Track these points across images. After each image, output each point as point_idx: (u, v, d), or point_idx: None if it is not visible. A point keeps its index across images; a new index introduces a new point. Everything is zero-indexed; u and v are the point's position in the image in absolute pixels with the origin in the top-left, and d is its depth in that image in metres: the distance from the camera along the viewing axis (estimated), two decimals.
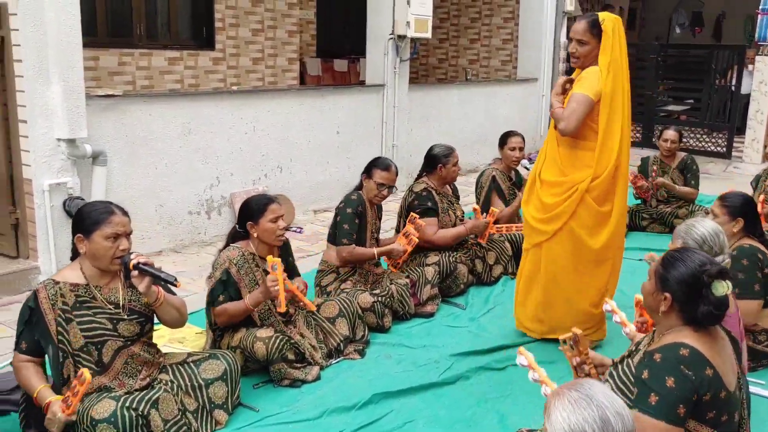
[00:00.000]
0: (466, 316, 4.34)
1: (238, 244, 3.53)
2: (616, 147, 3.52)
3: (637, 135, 10.61)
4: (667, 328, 2.28)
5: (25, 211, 4.60)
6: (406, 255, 4.40)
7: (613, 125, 3.49)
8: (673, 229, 3.01)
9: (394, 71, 7.41)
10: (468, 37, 11.69)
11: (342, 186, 6.46)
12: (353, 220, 4.12)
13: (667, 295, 2.23)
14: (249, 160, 6.09)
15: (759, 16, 9.45)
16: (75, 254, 2.83)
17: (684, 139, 10.43)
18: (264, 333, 3.38)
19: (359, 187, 4.30)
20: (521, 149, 5.39)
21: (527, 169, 4.10)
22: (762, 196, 5.11)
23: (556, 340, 2.82)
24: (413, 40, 7.51)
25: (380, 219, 4.49)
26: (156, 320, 2.97)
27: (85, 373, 2.52)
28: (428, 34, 7.56)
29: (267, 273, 3.46)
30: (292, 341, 3.43)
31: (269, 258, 3.34)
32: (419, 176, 4.78)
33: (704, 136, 10.68)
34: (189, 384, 2.96)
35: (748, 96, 9.79)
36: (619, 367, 2.41)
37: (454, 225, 4.72)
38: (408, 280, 4.28)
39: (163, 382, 2.93)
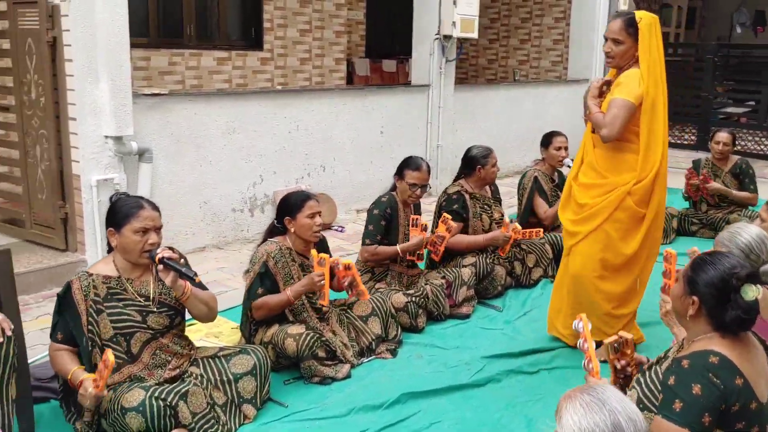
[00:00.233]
0: (502, 318, 4.29)
1: (276, 239, 3.59)
2: (659, 151, 3.44)
3: (692, 137, 10.31)
4: (697, 334, 2.21)
5: (74, 205, 4.76)
6: (442, 246, 4.33)
7: (656, 129, 3.40)
8: None
9: (440, 71, 7.38)
10: (518, 37, 11.56)
11: (384, 186, 6.43)
12: (379, 222, 4.13)
13: (695, 298, 2.17)
14: (292, 159, 6.16)
15: None
16: (111, 248, 2.91)
17: (742, 142, 10.11)
18: (295, 329, 3.41)
19: (393, 188, 4.30)
20: (566, 149, 5.30)
21: (570, 167, 4.00)
22: None
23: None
24: (459, 40, 7.47)
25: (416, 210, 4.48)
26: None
27: (109, 355, 2.58)
28: (474, 35, 7.50)
29: (303, 268, 3.52)
30: (323, 339, 3.45)
31: (314, 253, 3.39)
32: (457, 178, 4.75)
33: (763, 139, 10.30)
34: (218, 378, 3.01)
35: None
36: (647, 374, 2.34)
37: (489, 229, 4.67)
38: (444, 281, 4.25)
39: (193, 375, 2.98)
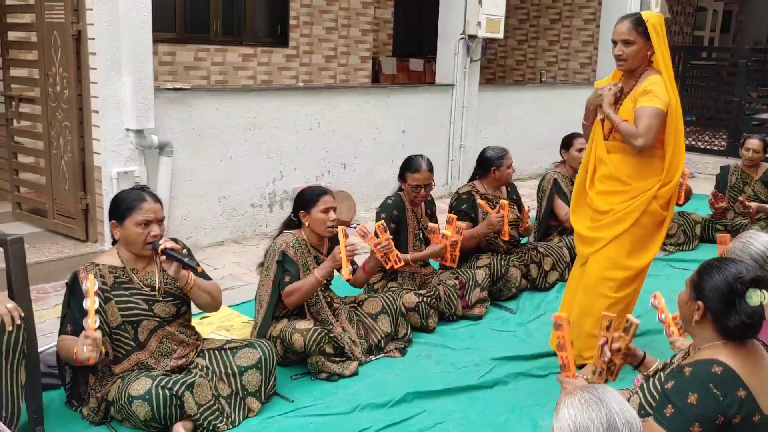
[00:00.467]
0: (515, 320, 4.25)
1: (292, 231, 3.61)
2: (683, 154, 3.40)
3: (722, 143, 10.11)
4: (703, 341, 2.17)
5: (95, 197, 4.83)
6: (457, 251, 4.25)
7: (680, 133, 3.36)
8: None
9: (464, 71, 7.35)
10: (547, 38, 11.45)
11: None
12: (387, 225, 4.10)
13: (700, 303, 2.13)
14: (312, 156, 6.18)
15: None
16: (115, 240, 2.95)
17: None
18: (303, 325, 3.42)
19: (401, 188, 4.29)
20: None
21: None
22: None
23: None
24: (485, 40, 7.42)
25: (432, 216, 4.46)
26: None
27: (90, 276, 2.63)
28: (500, 35, 7.45)
29: (317, 261, 3.57)
30: (331, 335, 3.45)
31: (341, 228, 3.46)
32: (472, 178, 4.72)
33: None
34: (223, 370, 3.03)
35: None
36: (651, 380, 2.30)
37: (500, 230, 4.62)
38: (457, 282, 4.23)
39: (199, 367, 3.01)
